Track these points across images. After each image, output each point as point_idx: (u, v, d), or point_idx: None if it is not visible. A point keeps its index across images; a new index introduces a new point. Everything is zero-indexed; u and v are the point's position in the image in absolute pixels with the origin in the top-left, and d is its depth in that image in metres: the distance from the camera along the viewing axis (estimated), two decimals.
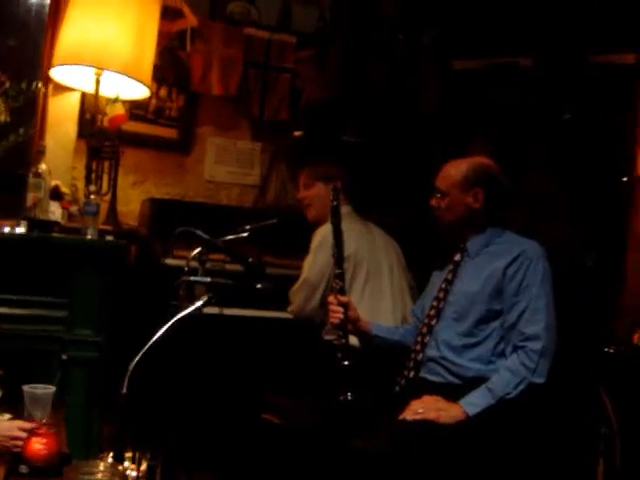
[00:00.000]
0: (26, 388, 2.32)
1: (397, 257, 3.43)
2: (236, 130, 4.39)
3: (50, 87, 3.46)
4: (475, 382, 2.49)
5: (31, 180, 2.99)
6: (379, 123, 4.19)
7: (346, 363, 2.67)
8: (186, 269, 2.89)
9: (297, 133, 4.26)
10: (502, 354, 2.55)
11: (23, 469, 2.01)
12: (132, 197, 4.05)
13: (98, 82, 3.35)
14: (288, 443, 2.74)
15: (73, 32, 3.25)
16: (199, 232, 2.81)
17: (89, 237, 2.94)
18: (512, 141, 3.71)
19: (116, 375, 2.30)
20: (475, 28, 3.91)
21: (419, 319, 2.88)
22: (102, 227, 3.18)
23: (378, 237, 3.41)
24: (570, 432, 2.96)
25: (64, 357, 2.83)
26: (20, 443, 2.04)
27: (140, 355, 2.29)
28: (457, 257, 2.78)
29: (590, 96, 3.63)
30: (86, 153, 3.47)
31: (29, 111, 3.19)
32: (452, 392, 2.49)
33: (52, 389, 2.32)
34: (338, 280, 2.83)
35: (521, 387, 2.41)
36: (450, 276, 2.76)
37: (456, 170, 2.73)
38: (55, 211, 3.08)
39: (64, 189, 3.25)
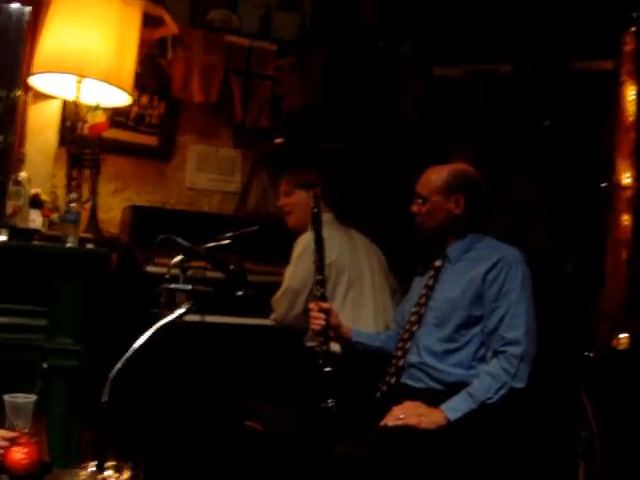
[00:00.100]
0: (7, 397, 2.30)
1: (379, 263, 3.44)
2: (217, 137, 4.40)
3: (30, 95, 3.45)
4: (456, 387, 2.51)
5: (11, 188, 2.97)
6: (360, 130, 4.20)
7: (328, 369, 2.68)
8: (167, 277, 2.88)
9: (278, 140, 4.27)
10: (483, 359, 2.56)
11: (4, 478, 1.99)
12: (113, 205, 4.04)
13: (79, 90, 3.35)
14: (271, 450, 2.73)
15: (53, 39, 3.25)
16: (180, 239, 2.80)
17: (70, 245, 2.93)
18: (493, 147, 3.73)
19: (97, 383, 2.29)
20: (455, 35, 3.92)
21: (400, 325, 2.89)
22: (83, 235, 3.17)
23: (360, 244, 3.42)
24: (551, 436, 2.97)
25: (45, 366, 2.81)
26: (1, 452, 2.03)
27: (121, 363, 2.28)
28: (437, 263, 2.79)
29: (569, 102, 3.65)
30: (66, 161, 3.46)
31: (9, 119, 3.17)
32: (433, 397, 2.50)
33: (33, 398, 2.31)
34: (319, 287, 2.84)
35: (502, 392, 2.42)
36: (431, 282, 2.77)
37: (437, 176, 2.75)
38: (35, 219, 3.06)
39: (44, 197, 3.24)
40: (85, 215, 3.40)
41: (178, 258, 2.85)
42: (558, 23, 3.63)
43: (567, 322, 3.27)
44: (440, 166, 2.79)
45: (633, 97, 3.40)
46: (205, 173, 4.35)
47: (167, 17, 3.86)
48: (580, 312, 3.35)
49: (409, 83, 4.15)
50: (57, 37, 3.24)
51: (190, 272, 2.90)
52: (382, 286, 3.38)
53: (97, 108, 3.40)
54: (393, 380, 2.71)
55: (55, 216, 3.25)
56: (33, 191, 3.13)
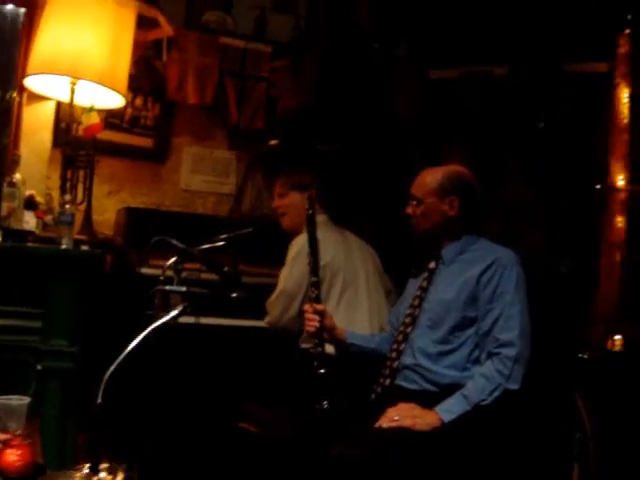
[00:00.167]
0: (0, 399, 2.30)
1: (374, 265, 3.44)
2: (212, 139, 4.40)
3: (25, 96, 3.44)
4: (450, 389, 2.51)
5: (5, 190, 2.97)
6: (355, 132, 4.21)
7: (322, 371, 2.68)
8: (162, 278, 2.88)
9: (273, 142, 4.27)
10: (477, 361, 2.56)
11: None
12: (107, 206, 4.04)
13: (73, 91, 3.34)
14: (265, 452, 2.73)
15: (48, 41, 3.25)
16: (175, 241, 2.80)
17: (64, 247, 2.92)
18: (488, 149, 3.73)
19: (91, 385, 2.29)
20: (450, 37, 3.93)
21: (394, 327, 2.89)
22: (77, 237, 3.17)
23: (354, 245, 3.42)
24: (545, 437, 2.97)
25: (39, 367, 2.81)
26: None
27: (115, 365, 2.28)
28: (432, 265, 2.79)
29: (564, 104, 3.66)
30: (61, 162, 3.45)
31: (3, 120, 3.17)
32: (428, 399, 2.50)
33: (27, 400, 2.31)
34: (314, 288, 2.84)
35: (496, 393, 2.42)
36: (425, 284, 2.77)
37: (432, 178, 2.75)
38: (30, 221, 3.06)
39: (39, 198, 3.24)
40: (79, 217, 3.40)
41: (172, 260, 2.86)
42: (553, 25, 3.64)
43: (561, 324, 3.27)
44: (435, 168, 2.80)
45: (627, 99, 3.41)
46: (200, 175, 4.35)
47: (161, 19, 3.86)
48: (574, 314, 3.36)
49: (404, 85, 4.16)
50: (52, 38, 3.24)
51: (184, 274, 2.91)
52: (377, 287, 3.38)
53: (91, 110, 3.40)
54: (387, 382, 2.71)
55: (49, 218, 3.25)
56: (28, 193, 3.13)
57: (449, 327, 2.60)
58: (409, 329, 2.71)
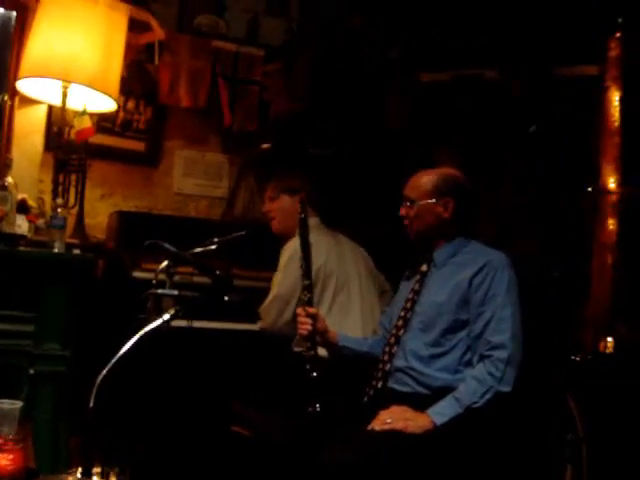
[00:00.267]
0: None
1: (366, 267, 3.44)
2: (204, 143, 4.40)
3: (17, 99, 3.44)
4: (443, 392, 2.51)
5: None
6: (347, 135, 4.21)
7: (315, 374, 2.68)
8: (154, 282, 2.87)
9: (265, 145, 4.27)
10: (469, 363, 2.57)
11: None
12: (100, 210, 4.03)
13: (65, 95, 3.34)
14: (258, 455, 2.73)
15: (40, 45, 3.25)
16: (167, 245, 2.80)
17: (56, 251, 2.92)
18: (480, 152, 3.74)
19: (83, 388, 2.28)
20: (442, 40, 3.94)
21: (386, 329, 2.89)
22: (69, 240, 3.17)
23: (346, 248, 3.42)
24: (537, 439, 2.98)
25: (32, 372, 2.80)
26: None
27: (108, 368, 2.28)
28: (424, 267, 2.80)
29: (555, 107, 3.67)
30: (53, 166, 3.45)
31: None
32: (420, 402, 2.51)
33: (19, 404, 2.30)
34: (306, 292, 2.84)
35: (488, 396, 2.42)
36: (417, 286, 2.78)
37: (426, 179, 2.76)
38: (22, 224, 3.05)
39: (31, 202, 3.23)
40: (72, 220, 3.40)
41: (165, 263, 2.86)
42: (544, 29, 3.65)
43: (553, 326, 3.28)
44: (429, 170, 2.80)
45: (618, 102, 3.43)
46: (192, 178, 4.35)
47: (153, 22, 3.85)
48: (566, 316, 3.37)
49: (396, 88, 4.17)
50: (44, 42, 3.24)
51: (177, 277, 2.91)
52: (369, 290, 3.38)
53: (84, 113, 3.39)
54: (380, 384, 2.71)
55: (41, 222, 3.24)
56: (20, 196, 3.12)
57: (441, 330, 2.60)
58: (401, 332, 2.72)
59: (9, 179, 3.01)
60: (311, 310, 2.82)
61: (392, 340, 2.74)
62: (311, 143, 4.17)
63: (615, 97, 3.44)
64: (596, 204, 3.47)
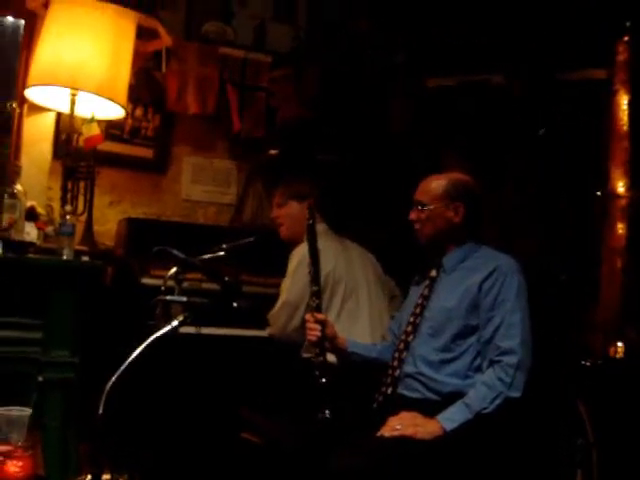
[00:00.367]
0: (1, 411, 2.30)
1: (374, 273, 3.44)
2: (212, 149, 4.40)
3: (25, 107, 3.45)
4: (452, 397, 2.50)
5: (6, 201, 2.96)
6: (354, 141, 4.21)
7: (324, 380, 2.67)
8: (163, 288, 2.88)
9: (273, 152, 4.28)
10: (479, 369, 2.56)
11: None
12: (109, 217, 4.04)
13: (73, 102, 3.35)
14: (267, 462, 2.73)
15: (48, 52, 3.26)
16: (175, 251, 2.81)
17: (65, 258, 2.92)
18: (487, 157, 3.74)
19: (92, 395, 2.28)
20: (448, 44, 3.94)
21: (396, 335, 2.89)
22: (78, 247, 3.17)
23: (354, 254, 3.42)
24: (547, 444, 2.97)
25: (40, 379, 2.80)
26: None
27: (117, 375, 2.28)
28: (433, 273, 2.79)
29: (563, 111, 3.66)
30: (62, 173, 3.46)
31: (4, 131, 3.17)
32: (430, 408, 2.50)
33: (28, 411, 2.30)
34: (315, 298, 2.83)
35: (497, 402, 2.41)
36: (426, 292, 2.77)
37: (437, 184, 2.75)
38: (30, 232, 3.05)
39: (40, 210, 3.24)
40: (80, 228, 3.40)
41: (174, 270, 2.86)
42: (552, 32, 3.65)
43: (563, 331, 3.27)
44: (439, 175, 2.80)
45: (626, 106, 3.42)
46: (200, 185, 4.36)
47: (161, 29, 3.86)
48: (576, 321, 3.35)
49: (400, 91, 4.17)
50: (52, 50, 3.25)
51: (186, 284, 2.91)
52: (378, 296, 3.38)
53: (92, 121, 3.40)
54: (389, 390, 2.70)
55: (50, 229, 3.25)
56: (28, 204, 3.13)
57: (451, 335, 2.59)
58: (410, 337, 2.71)
59: (18, 186, 3.02)
60: (320, 316, 2.81)
61: (401, 346, 2.73)
62: (319, 149, 4.17)
63: (623, 101, 3.43)
64: (605, 208, 3.46)
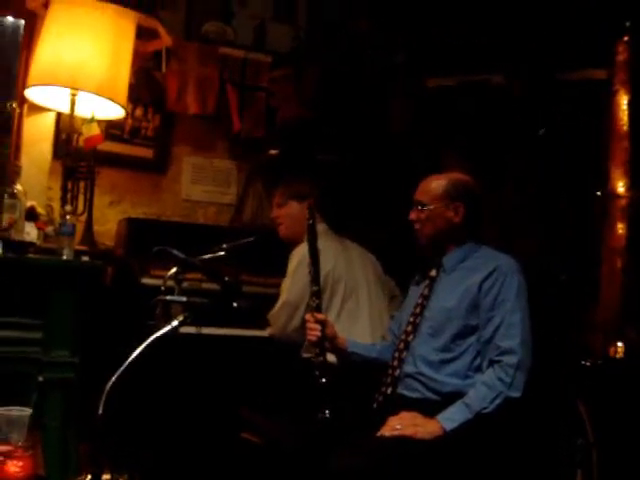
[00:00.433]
0: (1, 411, 2.30)
1: (374, 273, 3.44)
2: (212, 149, 4.40)
3: (25, 107, 3.45)
4: (452, 397, 2.50)
5: (6, 201, 2.96)
6: (354, 141, 4.21)
7: (324, 380, 2.67)
8: (163, 288, 2.88)
9: (273, 152, 4.28)
10: (479, 369, 2.56)
11: None
12: (109, 217, 4.04)
13: (73, 102, 3.35)
14: (267, 462, 2.73)
15: (48, 52, 3.26)
16: (175, 251, 2.81)
17: (65, 258, 2.92)
18: (488, 157, 3.74)
19: (92, 395, 2.28)
20: (448, 44, 3.94)
21: (396, 335, 2.89)
22: (78, 247, 3.17)
23: (354, 254, 3.42)
24: (547, 444, 2.97)
25: (40, 379, 2.80)
26: None
27: (117, 375, 2.28)
28: (433, 272, 2.79)
29: (564, 111, 3.66)
30: (62, 173, 3.46)
31: (4, 131, 3.17)
32: (429, 408, 2.50)
33: (28, 411, 2.30)
34: (315, 298, 2.83)
35: (497, 401, 2.41)
36: (426, 291, 2.77)
37: (437, 184, 2.76)
38: (30, 232, 3.05)
39: (40, 209, 3.23)
40: (80, 228, 3.40)
41: (174, 270, 2.86)
42: (552, 32, 3.65)
43: (563, 331, 3.27)
44: (439, 175, 2.80)
45: (626, 106, 3.42)
46: (200, 185, 4.36)
47: (161, 29, 3.86)
48: (576, 321, 3.36)
49: (400, 91, 4.17)
50: (52, 50, 3.25)
51: (185, 284, 2.91)
52: (378, 296, 3.38)
53: (92, 121, 3.40)
54: (389, 390, 2.70)
55: (50, 229, 3.25)
56: (28, 204, 3.13)
57: (450, 335, 2.59)
58: (410, 337, 2.71)
59: (18, 186, 3.02)
60: (320, 316, 2.81)
61: (401, 346, 2.73)
62: (319, 149, 4.18)
63: (623, 101, 3.43)
64: (605, 208, 3.46)
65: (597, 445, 2.90)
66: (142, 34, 3.67)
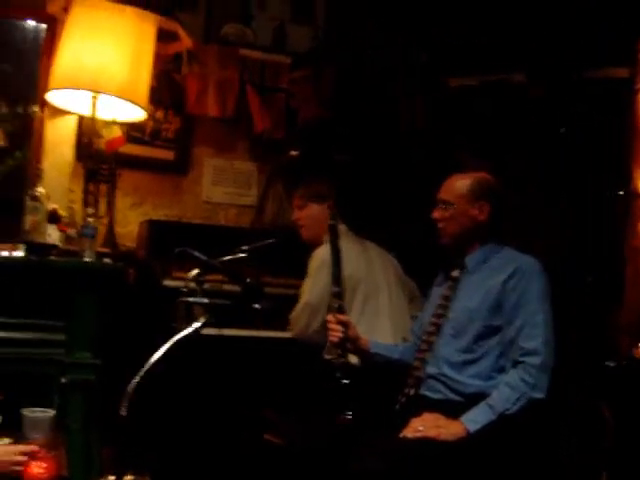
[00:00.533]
0: (25, 412, 2.31)
1: (395, 274, 3.43)
2: (233, 151, 4.40)
3: (46, 110, 3.47)
4: (475, 398, 2.49)
5: (29, 203, 2.99)
6: (373, 141, 4.20)
7: (346, 382, 2.67)
8: (184, 290, 2.88)
9: (293, 153, 4.27)
10: (502, 370, 2.54)
11: None
12: (130, 219, 4.05)
13: (94, 105, 3.36)
14: (289, 463, 2.73)
15: (69, 56, 3.27)
16: (197, 253, 2.81)
17: (87, 260, 2.94)
18: (508, 157, 3.72)
19: (115, 397, 2.29)
20: (469, 44, 3.92)
21: (418, 336, 2.88)
22: (100, 249, 3.19)
23: (374, 254, 3.41)
24: (571, 447, 2.95)
25: (63, 380, 2.81)
26: (21, 468, 2.03)
27: (140, 377, 2.28)
28: (455, 273, 2.78)
29: (585, 110, 3.64)
30: (83, 176, 3.48)
31: (25, 134, 3.20)
32: (452, 409, 2.49)
33: (51, 413, 2.32)
34: (336, 299, 2.83)
35: (521, 402, 2.40)
36: (449, 292, 2.76)
37: (461, 183, 2.75)
38: (53, 234, 3.07)
39: (61, 212, 3.25)
40: (102, 230, 3.42)
41: (195, 271, 2.86)
42: (573, 31, 3.63)
43: (587, 332, 3.25)
44: (463, 174, 2.78)
45: None
46: (221, 186, 4.36)
47: (181, 32, 3.87)
48: (600, 322, 3.33)
49: (421, 93, 4.16)
50: (72, 53, 3.26)
51: (207, 285, 2.91)
52: (399, 297, 3.37)
53: (113, 123, 3.42)
54: (412, 392, 2.69)
55: (72, 231, 3.26)
56: (51, 206, 3.15)
57: (473, 336, 2.58)
58: (433, 338, 2.70)
59: (40, 189, 3.04)
60: (342, 317, 2.81)
61: (424, 346, 2.72)
62: (337, 149, 4.17)
63: None
64: (628, 208, 3.43)
65: (622, 447, 2.88)
66: (162, 37, 3.68)
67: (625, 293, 3.35)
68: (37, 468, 2.02)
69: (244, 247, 3.14)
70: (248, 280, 2.99)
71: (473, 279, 2.70)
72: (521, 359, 2.46)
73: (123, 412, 2.22)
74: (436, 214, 2.76)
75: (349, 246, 3.22)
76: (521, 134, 3.77)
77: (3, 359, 2.76)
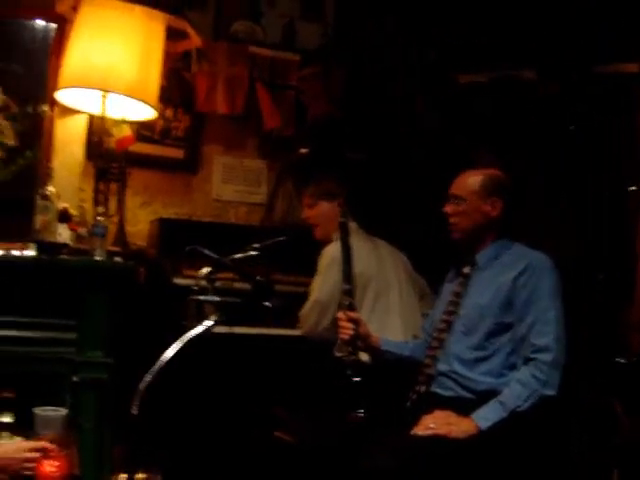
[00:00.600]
0: (37, 411, 2.32)
1: (405, 271, 3.43)
2: (242, 149, 4.40)
3: (56, 110, 3.47)
4: (487, 396, 2.49)
5: (39, 202, 3.00)
6: (383, 138, 4.20)
7: (357, 379, 2.67)
8: (195, 288, 2.88)
9: (303, 150, 4.26)
10: (513, 367, 2.54)
11: None
12: (140, 217, 4.06)
13: (104, 104, 3.37)
14: (300, 461, 2.73)
15: (78, 55, 3.27)
16: (207, 251, 2.81)
17: (97, 258, 2.94)
18: (518, 153, 3.70)
19: (126, 396, 2.29)
20: (479, 41, 3.91)
21: (429, 333, 2.87)
22: (110, 248, 3.19)
23: (385, 252, 3.41)
24: (583, 443, 2.94)
25: (75, 379, 2.82)
26: (33, 465, 2.04)
27: (150, 375, 2.29)
28: (466, 270, 2.77)
29: (595, 106, 3.63)
30: (93, 175, 3.48)
31: (35, 134, 3.21)
32: (464, 406, 2.49)
33: (63, 411, 2.32)
34: (347, 296, 2.83)
35: (532, 399, 2.39)
36: (460, 289, 2.75)
37: (473, 179, 2.74)
38: (63, 233, 3.08)
39: (72, 211, 3.25)
40: (112, 228, 3.42)
41: (205, 270, 2.86)
42: (582, 26, 3.61)
43: (598, 329, 3.24)
44: (475, 170, 2.78)
45: None
46: (231, 184, 4.36)
47: (190, 30, 3.87)
48: (612, 319, 3.32)
49: (431, 90, 4.15)
50: (82, 52, 3.26)
51: (218, 283, 2.91)
52: (409, 294, 3.37)
53: (123, 122, 3.42)
54: (423, 389, 2.69)
55: (83, 230, 3.26)
56: (61, 205, 3.15)
57: (484, 333, 2.57)
58: (444, 335, 2.69)
59: (51, 188, 3.05)
60: (353, 315, 2.81)
61: (435, 344, 2.72)
62: (347, 147, 4.17)
63: None
64: (639, 204, 3.42)
65: (634, 443, 2.87)
66: (171, 35, 3.68)
67: (636, 290, 3.33)
68: (49, 467, 2.02)
69: (254, 245, 3.14)
70: (258, 278, 2.98)
71: (484, 275, 2.69)
72: (532, 356, 2.46)
73: (135, 410, 2.22)
74: (448, 209, 2.76)
75: (360, 244, 3.22)
76: (529, 130, 3.76)
77: (15, 358, 2.78)
